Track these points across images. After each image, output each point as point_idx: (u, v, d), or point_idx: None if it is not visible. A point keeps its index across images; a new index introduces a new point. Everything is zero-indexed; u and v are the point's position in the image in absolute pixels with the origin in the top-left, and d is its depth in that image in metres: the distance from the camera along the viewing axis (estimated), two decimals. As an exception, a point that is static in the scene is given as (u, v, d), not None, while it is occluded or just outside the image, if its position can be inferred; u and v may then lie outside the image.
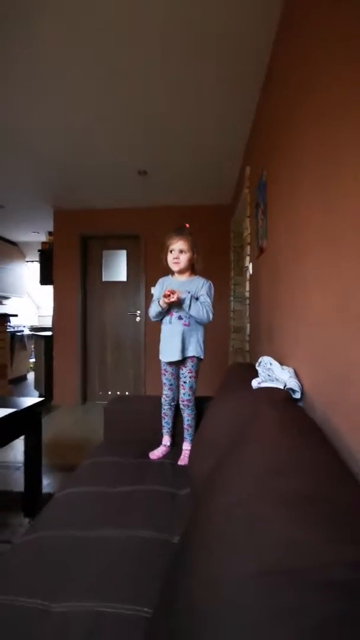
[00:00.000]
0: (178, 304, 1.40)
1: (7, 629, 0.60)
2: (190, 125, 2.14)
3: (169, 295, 1.35)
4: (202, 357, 1.47)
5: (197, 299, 1.43)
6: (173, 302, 1.37)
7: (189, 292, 1.41)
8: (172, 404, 1.51)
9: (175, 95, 1.85)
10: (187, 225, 1.47)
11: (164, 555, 0.77)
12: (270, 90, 1.53)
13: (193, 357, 1.45)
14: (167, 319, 1.47)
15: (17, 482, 1.88)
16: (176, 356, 1.42)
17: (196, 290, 1.44)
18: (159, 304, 1.42)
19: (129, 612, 0.63)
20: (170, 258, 1.46)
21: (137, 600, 0.66)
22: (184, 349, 1.43)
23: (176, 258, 1.44)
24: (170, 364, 1.49)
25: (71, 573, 0.73)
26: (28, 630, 0.60)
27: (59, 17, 1.36)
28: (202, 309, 1.40)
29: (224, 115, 2.02)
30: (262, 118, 1.75)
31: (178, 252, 1.43)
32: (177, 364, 1.48)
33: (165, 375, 1.51)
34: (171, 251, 1.44)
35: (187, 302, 1.38)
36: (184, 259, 1.44)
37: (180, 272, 1.48)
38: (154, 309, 1.47)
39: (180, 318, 1.43)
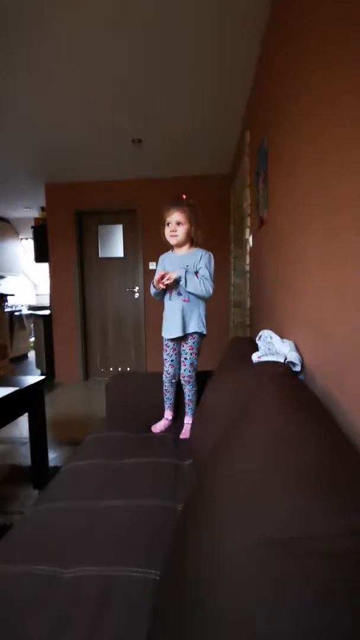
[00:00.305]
0: (175, 285, 1.38)
1: (22, 595, 0.64)
2: (186, 88, 2.00)
3: (162, 279, 1.33)
4: (204, 332, 1.46)
5: (196, 272, 1.40)
6: (168, 284, 1.35)
7: (185, 267, 1.37)
8: (173, 381, 1.52)
9: (170, 60, 1.71)
10: (184, 197, 1.41)
11: (170, 522, 0.80)
12: (272, 46, 1.42)
13: (194, 333, 1.44)
14: (167, 295, 1.45)
15: (25, 456, 1.94)
16: (177, 332, 1.41)
17: (195, 264, 1.41)
18: (154, 286, 1.40)
19: (138, 574, 0.67)
20: (167, 231, 1.41)
21: (145, 563, 0.69)
22: (184, 325, 1.41)
23: (173, 231, 1.39)
24: (171, 339, 1.48)
25: (81, 541, 0.77)
26: (42, 594, 0.63)
27: None
28: (200, 284, 1.37)
29: (222, 75, 1.88)
30: (264, 77, 1.63)
31: (175, 225, 1.38)
32: (179, 340, 1.48)
33: (166, 350, 1.51)
34: (168, 224, 1.39)
35: (182, 280, 1.35)
36: (181, 231, 1.38)
37: (179, 245, 1.44)
38: (152, 289, 1.45)
39: (179, 294, 1.41)
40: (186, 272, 1.36)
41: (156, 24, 1.49)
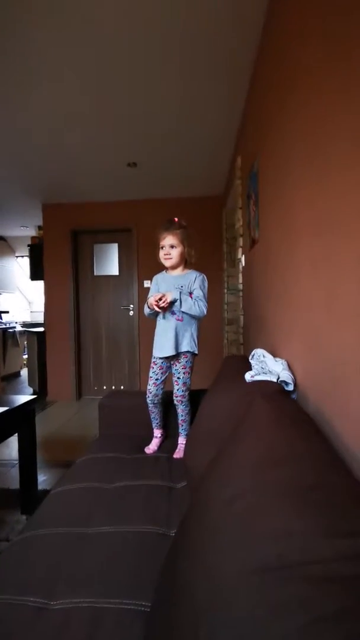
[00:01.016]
0: (170, 306, 1.39)
1: (7, 627, 0.60)
2: (180, 116, 2.10)
3: (159, 301, 1.35)
4: (196, 352, 1.46)
5: (190, 293, 1.42)
6: (163, 307, 1.36)
7: (180, 288, 1.40)
8: (156, 401, 1.48)
9: (164, 87, 1.81)
10: (176, 220, 1.45)
11: (162, 549, 0.78)
12: (260, 79, 1.51)
13: (187, 352, 1.44)
14: (161, 314, 1.46)
15: (14, 479, 1.87)
16: (170, 351, 1.41)
17: (189, 285, 1.43)
18: (148, 306, 1.42)
19: (128, 606, 0.64)
20: (161, 254, 1.44)
21: (136, 594, 0.66)
22: (177, 344, 1.42)
23: (167, 254, 1.42)
24: (163, 358, 1.48)
25: (69, 570, 0.74)
26: (28, 627, 0.60)
27: (52, 15, 1.31)
28: (195, 304, 1.39)
29: (214, 105, 1.98)
30: (253, 107, 1.72)
31: (169, 248, 1.41)
32: (170, 359, 1.48)
33: (152, 368, 1.48)
34: (162, 247, 1.43)
35: (177, 302, 1.38)
36: (175, 254, 1.42)
37: (173, 267, 1.46)
38: (145, 310, 1.47)
39: (173, 313, 1.43)
40: (181, 293, 1.38)
41: (154, 54, 1.58)
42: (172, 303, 1.39)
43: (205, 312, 1.41)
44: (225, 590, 0.37)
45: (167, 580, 0.54)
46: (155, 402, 1.48)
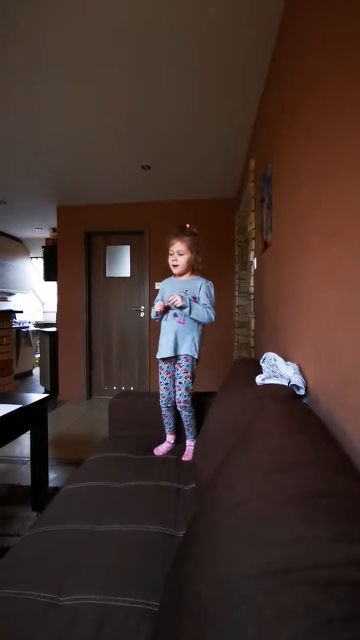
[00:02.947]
0: (181, 307, 1.40)
1: (16, 622, 0.62)
2: (194, 119, 2.11)
3: (171, 302, 1.38)
4: (196, 357, 1.46)
5: (195, 298, 1.44)
6: (173, 303, 1.38)
7: (184, 292, 1.41)
8: (169, 404, 1.50)
9: (179, 89, 1.82)
10: (188, 226, 1.45)
11: (170, 550, 0.78)
12: (275, 82, 1.50)
13: (187, 356, 1.44)
14: (164, 316, 1.48)
15: (25, 476, 1.91)
16: (168, 352, 1.43)
17: (194, 290, 1.44)
18: (156, 309, 1.46)
19: (136, 605, 0.65)
20: (170, 260, 1.46)
21: (144, 593, 0.67)
22: (176, 346, 1.43)
23: (175, 260, 1.44)
24: (165, 361, 1.49)
25: (78, 566, 0.75)
26: (37, 622, 0.61)
27: (64, 17, 1.34)
28: (203, 311, 1.41)
29: (228, 107, 1.99)
30: (267, 110, 1.72)
31: (177, 254, 1.44)
32: (171, 362, 1.48)
33: (160, 373, 1.51)
34: (171, 253, 1.45)
35: (187, 307, 1.39)
36: (182, 260, 1.44)
37: (180, 273, 1.49)
38: (153, 313, 1.50)
39: (175, 315, 1.44)
40: (190, 301, 1.40)
41: (168, 55, 1.59)
42: (181, 308, 1.40)
43: (213, 318, 1.43)
44: (233, 594, 0.37)
45: (175, 582, 0.55)
46: (169, 405, 1.50)
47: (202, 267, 1.50)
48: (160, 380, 1.51)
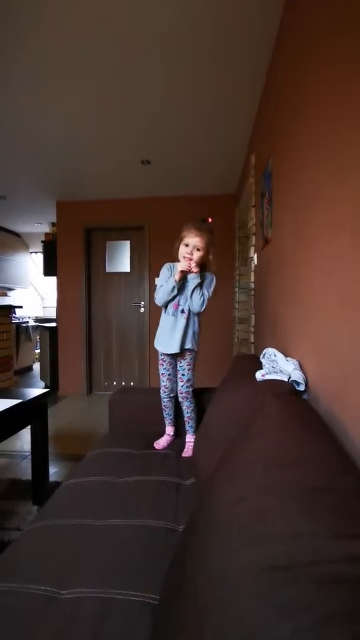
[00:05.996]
0: (183, 278, 1.38)
1: (17, 615, 0.62)
2: (194, 114, 2.08)
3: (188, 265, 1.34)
4: (195, 349, 1.47)
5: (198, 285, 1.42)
6: (192, 269, 1.35)
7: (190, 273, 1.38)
8: (172, 395, 1.51)
9: (178, 84, 1.80)
10: (210, 220, 1.41)
11: (170, 544, 0.78)
12: (276, 76, 1.48)
13: (191, 350, 1.45)
14: (169, 310, 1.45)
15: (25, 471, 1.92)
16: (175, 349, 1.42)
17: (198, 276, 1.41)
18: (174, 278, 1.37)
19: (136, 598, 0.65)
20: (182, 250, 1.36)
21: (144, 587, 0.67)
22: (183, 342, 1.43)
23: (189, 253, 1.35)
24: (167, 354, 1.49)
25: (79, 560, 0.75)
26: (37, 616, 0.62)
27: (64, 10, 1.32)
28: (200, 298, 1.39)
29: (229, 102, 1.96)
30: (268, 104, 1.70)
31: (193, 248, 1.35)
32: (175, 356, 1.48)
33: (162, 365, 1.51)
34: (187, 245, 1.36)
35: (197, 279, 1.37)
36: (197, 256, 1.36)
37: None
38: (164, 289, 1.41)
39: (182, 312, 1.43)
40: (197, 282, 1.38)
41: (168, 51, 1.58)
42: (185, 277, 1.38)
43: (203, 308, 1.41)
44: (233, 589, 0.37)
45: (175, 576, 0.55)
46: (171, 395, 1.51)
47: (215, 269, 1.45)
48: (163, 371, 1.51)
